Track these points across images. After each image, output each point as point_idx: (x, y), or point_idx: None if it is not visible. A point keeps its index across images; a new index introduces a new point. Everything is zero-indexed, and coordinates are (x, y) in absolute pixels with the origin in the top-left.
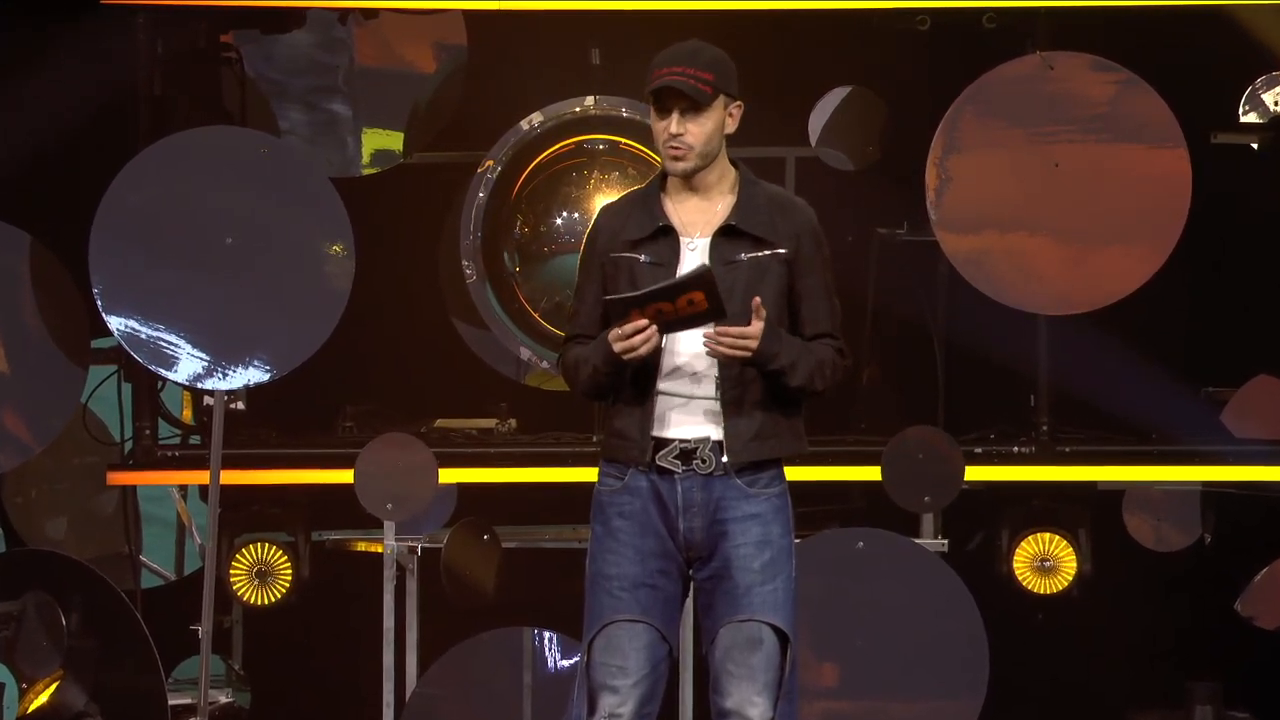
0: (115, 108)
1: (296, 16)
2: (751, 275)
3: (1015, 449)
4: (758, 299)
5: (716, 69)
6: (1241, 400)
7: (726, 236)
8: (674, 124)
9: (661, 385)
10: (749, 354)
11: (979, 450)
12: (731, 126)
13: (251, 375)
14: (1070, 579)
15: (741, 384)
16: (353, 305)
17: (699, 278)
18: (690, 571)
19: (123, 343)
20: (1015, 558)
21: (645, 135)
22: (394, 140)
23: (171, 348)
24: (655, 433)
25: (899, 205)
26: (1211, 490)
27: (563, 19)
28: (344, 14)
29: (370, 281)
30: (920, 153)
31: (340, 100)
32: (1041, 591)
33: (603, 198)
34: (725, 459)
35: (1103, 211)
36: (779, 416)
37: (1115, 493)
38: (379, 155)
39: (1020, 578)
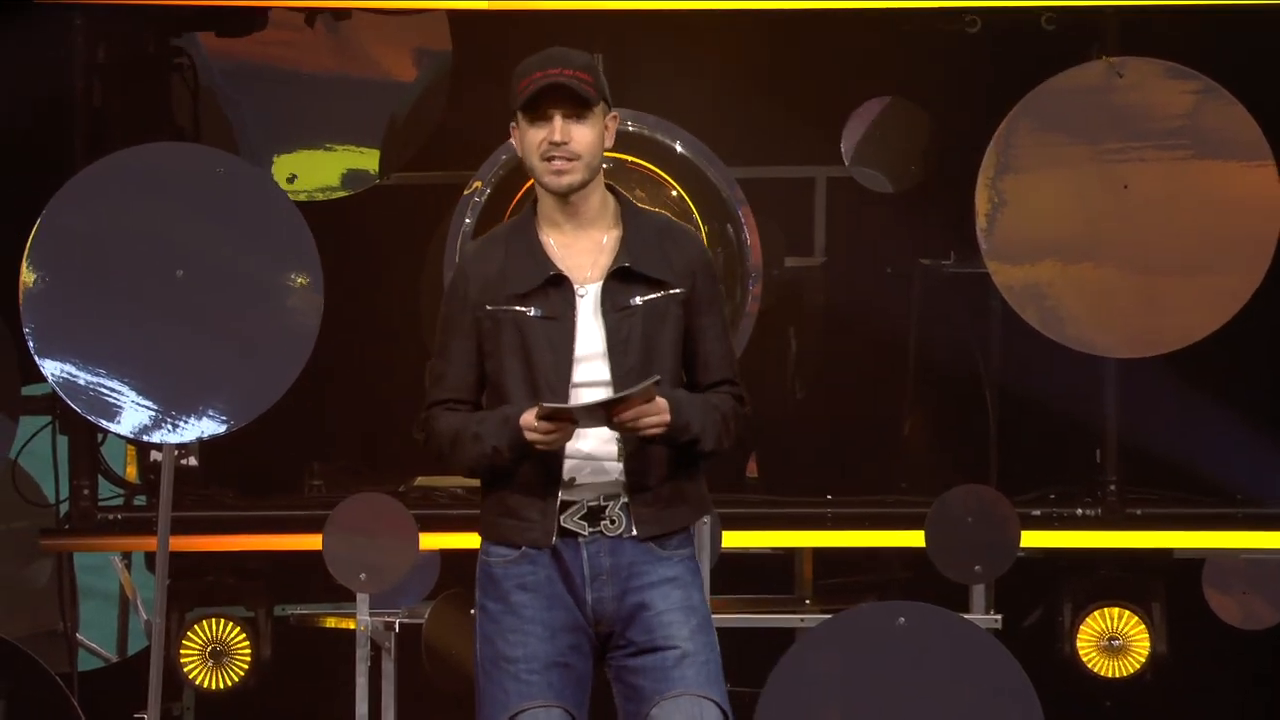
0: (49, 121)
1: (258, 18)
2: (649, 322)
3: (1079, 511)
4: (657, 378)
5: (593, 72)
6: None
7: (618, 279)
8: (557, 131)
9: (566, 446)
10: (662, 430)
11: (1037, 513)
12: (609, 141)
13: (205, 427)
14: (1142, 660)
15: (644, 451)
16: (321, 346)
17: (644, 391)
18: (604, 649)
19: (58, 390)
20: (1079, 636)
21: (653, 152)
22: (368, 159)
23: (114, 395)
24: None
25: (945, 232)
26: None
27: (560, 20)
28: (311, 15)
29: (341, 319)
30: (969, 173)
31: (309, 113)
32: (1109, 674)
33: None
34: (634, 529)
35: (1179, 238)
36: (684, 481)
37: (1194, 561)
38: (351, 176)
39: (1085, 658)
